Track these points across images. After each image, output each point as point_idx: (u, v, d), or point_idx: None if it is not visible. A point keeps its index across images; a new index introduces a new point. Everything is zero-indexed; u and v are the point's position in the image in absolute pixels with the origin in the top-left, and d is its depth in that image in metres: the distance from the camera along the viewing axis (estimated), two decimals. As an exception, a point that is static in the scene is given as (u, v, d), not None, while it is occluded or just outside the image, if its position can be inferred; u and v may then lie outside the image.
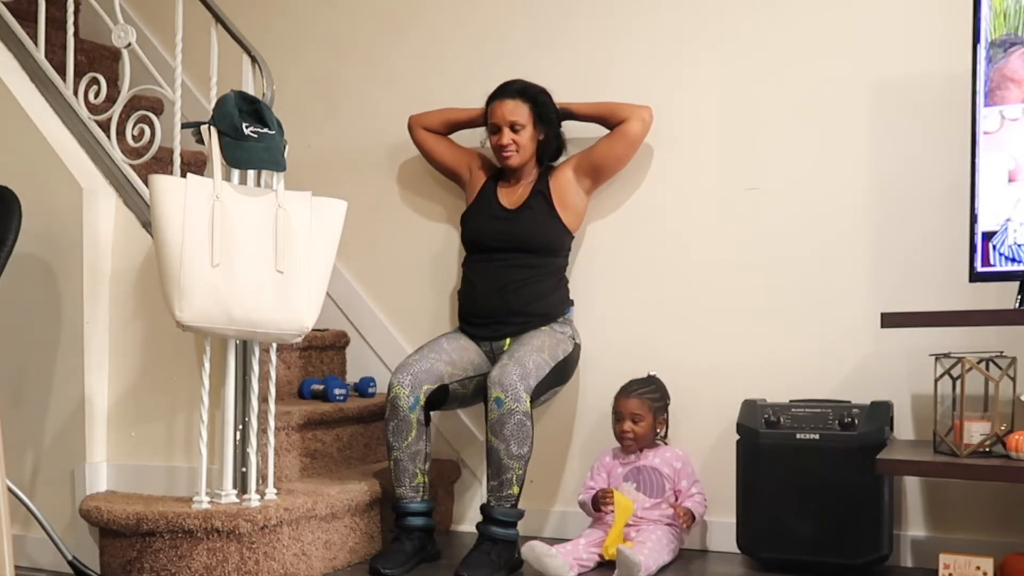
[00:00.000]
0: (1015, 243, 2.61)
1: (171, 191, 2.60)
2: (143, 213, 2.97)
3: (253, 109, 2.75)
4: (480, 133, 3.40)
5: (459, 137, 3.48)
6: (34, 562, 2.99)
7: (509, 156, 3.21)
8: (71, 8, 3.11)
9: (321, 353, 3.57)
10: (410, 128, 3.49)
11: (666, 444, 3.14)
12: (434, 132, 3.46)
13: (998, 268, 2.64)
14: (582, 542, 2.89)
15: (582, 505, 3.09)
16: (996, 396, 2.57)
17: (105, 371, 3.00)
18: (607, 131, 3.27)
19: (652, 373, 3.17)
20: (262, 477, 2.84)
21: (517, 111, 3.20)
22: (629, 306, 3.35)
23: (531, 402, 2.90)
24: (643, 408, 3.06)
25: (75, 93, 3.09)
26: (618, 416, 3.09)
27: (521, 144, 3.21)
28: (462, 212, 3.38)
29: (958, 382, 2.62)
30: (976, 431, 2.57)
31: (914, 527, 3.02)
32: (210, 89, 2.90)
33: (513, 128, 3.19)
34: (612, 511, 2.93)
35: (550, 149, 3.28)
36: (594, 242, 3.40)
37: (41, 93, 3.12)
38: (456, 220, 3.46)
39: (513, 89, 3.23)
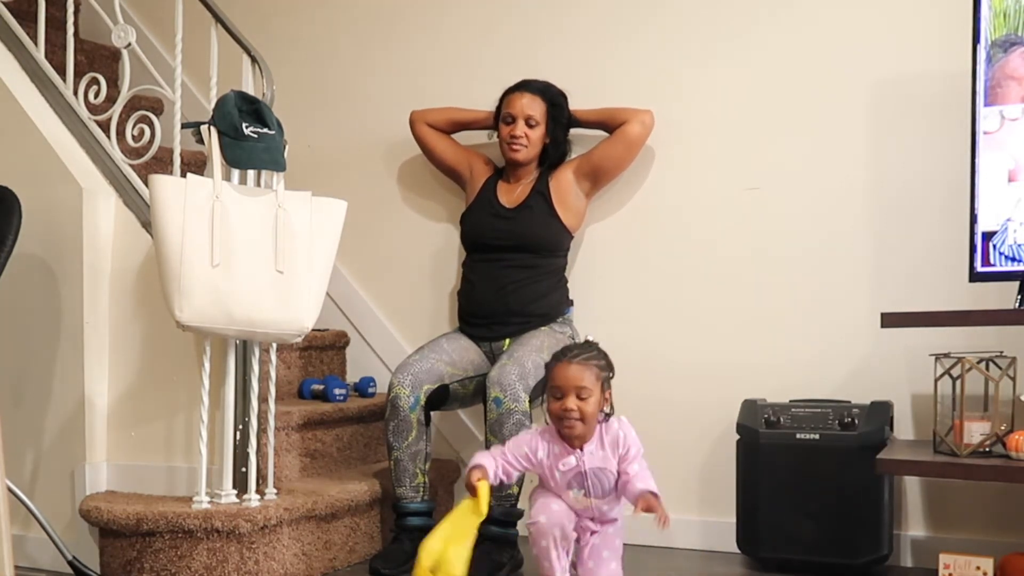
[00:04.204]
0: (1015, 243, 2.61)
1: (171, 191, 2.60)
2: (143, 213, 2.97)
3: (253, 109, 2.75)
4: (484, 134, 3.41)
5: (461, 137, 3.49)
6: (34, 562, 2.99)
7: (518, 149, 3.21)
8: (71, 8, 3.11)
9: (321, 353, 3.57)
10: (412, 123, 3.47)
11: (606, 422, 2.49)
12: (436, 129, 3.46)
13: (998, 268, 2.64)
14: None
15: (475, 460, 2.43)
16: (996, 396, 2.58)
17: (105, 371, 3.00)
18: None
19: (590, 338, 2.55)
20: (262, 477, 2.84)
21: (535, 107, 3.20)
22: (629, 306, 3.35)
23: (530, 402, 2.90)
24: (591, 378, 2.41)
25: (75, 93, 3.09)
26: (555, 392, 2.42)
27: (532, 140, 3.21)
28: (462, 212, 3.39)
29: (958, 382, 2.62)
30: (976, 431, 2.58)
31: (914, 527, 3.02)
32: (210, 89, 2.90)
33: (528, 123, 3.20)
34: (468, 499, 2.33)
35: (555, 153, 3.28)
36: (594, 242, 3.40)
37: (41, 93, 3.12)
38: (456, 220, 3.46)
39: (535, 86, 3.24)
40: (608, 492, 2.46)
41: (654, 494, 2.36)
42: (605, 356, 2.49)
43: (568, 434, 2.43)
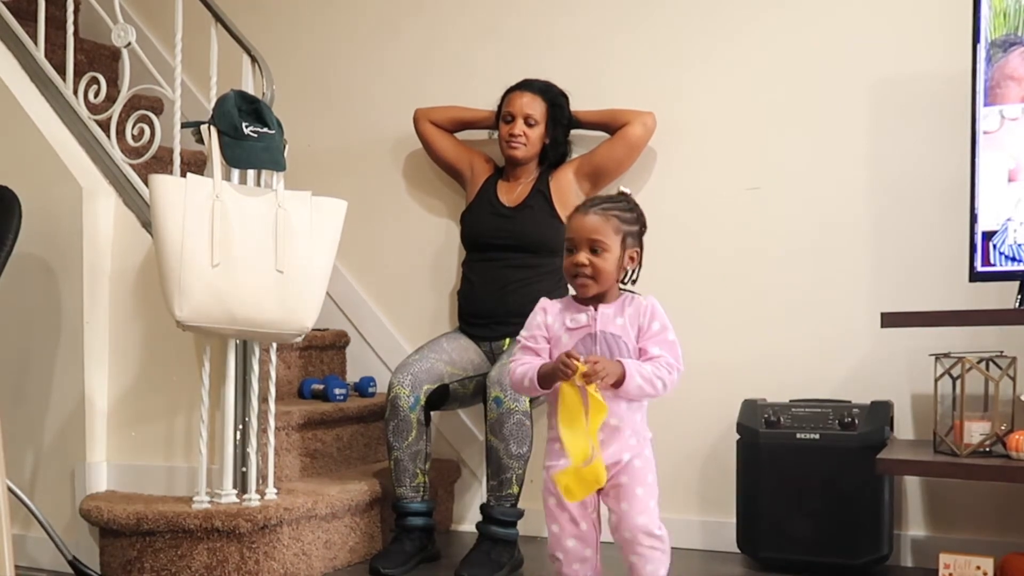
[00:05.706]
0: (1015, 243, 2.61)
1: (171, 191, 2.60)
2: (143, 213, 2.96)
3: (253, 109, 2.75)
4: (485, 132, 3.41)
5: (461, 136, 3.48)
6: (34, 562, 2.99)
7: (516, 147, 3.21)
8: (71, 8, 3.12)
9: (321, 353, 3.57)
10: (416, 121, 3.48)
11: (633, 293, 2.24)
12: (440, 127, 3.46)
13: (998, 268, 2.64)
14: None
15: (518, 383, 2.17)
16: (996, 396, 2.57)
17: (105, 371, 2.99)
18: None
19: (624, 190, 2.26)
20: (262, 477, 2.84)
21: (535, 106, 3.21)
22: (629, 306, 3.35)
23: (530, 402, 2.90)
24: (606, 230, 2.13)
25: (75, 93, 3.09)
26: (568, 244, 2.16)
27: (530, 139, 3.21)
28: (462, 211, 3.39)
29: (958, 382, 2.61)
30: (976, 431, 2.58)
31: (914, 527, 3.02)
32: (210, 89, 2.90)
33: (527, 122, 3.20)
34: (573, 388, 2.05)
35: (555, 153, 3.28)
36: (594, 242, 3.40)
37: (41, 93, 3.12)
38: (456, 219, 3.46)
39: (536, 85, 3.25)
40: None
41: (613, 368, 2.07)
42: (634, 208, 2.18)
43: (581, 293, 2.16)
